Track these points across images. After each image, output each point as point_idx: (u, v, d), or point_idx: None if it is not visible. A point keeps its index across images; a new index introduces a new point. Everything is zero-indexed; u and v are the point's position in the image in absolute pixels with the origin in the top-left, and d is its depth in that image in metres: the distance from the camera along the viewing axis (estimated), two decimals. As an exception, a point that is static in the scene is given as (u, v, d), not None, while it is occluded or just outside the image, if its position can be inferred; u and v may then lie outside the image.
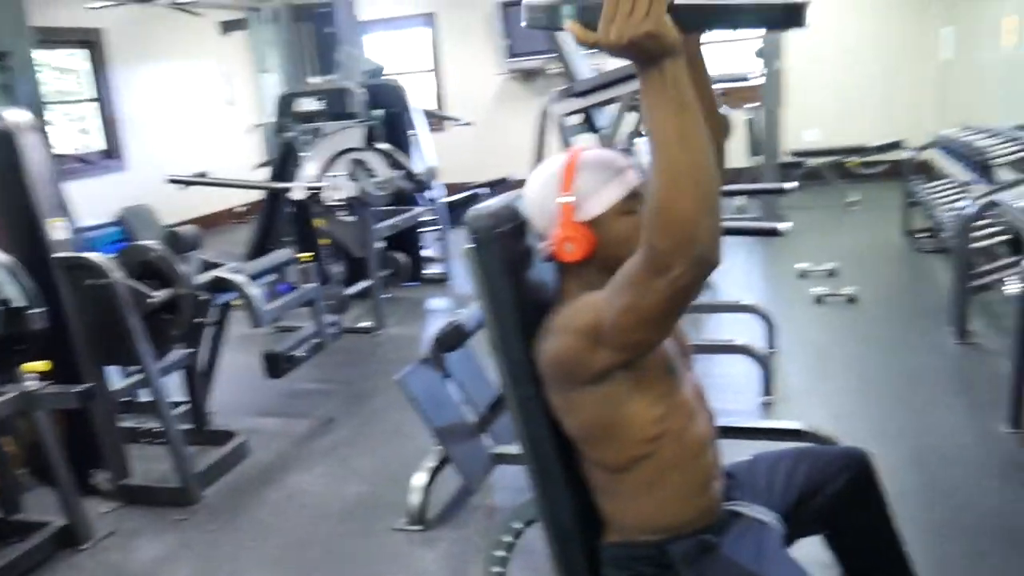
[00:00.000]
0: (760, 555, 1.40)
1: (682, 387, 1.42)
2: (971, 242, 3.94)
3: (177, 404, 3.26)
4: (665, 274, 1.14)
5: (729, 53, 8.22)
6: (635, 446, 1.38)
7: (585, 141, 3.88)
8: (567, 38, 4.03)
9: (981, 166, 4.74)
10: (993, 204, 3.77)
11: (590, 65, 4.30)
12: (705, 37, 1.32)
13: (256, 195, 7.54)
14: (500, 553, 1.77)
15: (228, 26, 7.87)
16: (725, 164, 1.47)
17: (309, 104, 5.32)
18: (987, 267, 3.94)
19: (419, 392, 2.63)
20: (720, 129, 1.44)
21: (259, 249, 5.06)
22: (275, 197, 5.15)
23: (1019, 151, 4.51)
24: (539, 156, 3.84)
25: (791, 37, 6.61)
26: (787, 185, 4.41)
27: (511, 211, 1.46)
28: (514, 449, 2.82)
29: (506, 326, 1.45)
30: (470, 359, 3.00)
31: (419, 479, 2.69)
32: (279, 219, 5.21)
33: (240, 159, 8.05)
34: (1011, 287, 3.49)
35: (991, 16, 5.74)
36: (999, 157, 4.55)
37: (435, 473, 2.72)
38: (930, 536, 2.32)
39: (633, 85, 3.65)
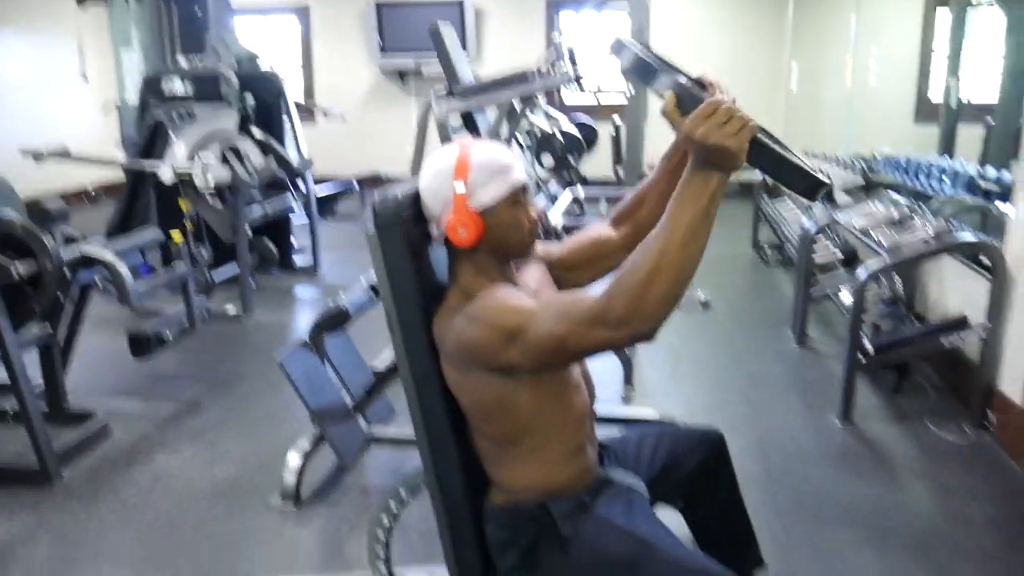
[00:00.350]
0: (629, 513, 1.54)
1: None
2: (811, 257, 4.30)
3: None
4: (609, 330, 1.27)
5: (598, 69, 8.51)
6: (524, 418, 1.49)
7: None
8: (452, 40, 4.12)
9: (822, 189, 5.17)
10: (832, 223, 4.14)
11: (471, 71, 4.40)
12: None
13: (113, 175, 7.21)
14: (385, 521, 1.83)
15: (86, -4, 7.49)
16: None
17: (178, 86, 5.17)
18: (824, 279, 4.32)
19: (298, 374, 2.65)
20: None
21: (121, 229, 4.86)
22: (139, 177, 4.96)
23: (854, 177, 4.95)
24: (420, 152, 3.92)
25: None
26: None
27: (410, 199, 1.53)
28: (389, 431, 2.90)
29: (406, 306, 1.52)
30: (348, 345, 3.04)
31: (293, 458, 2.70)
32: (143, 200, 5.02)
33: (93, 136, 7.67)
34: (844, 298, 3.84)
35: (835, 54, 6.25)
36: (837, 181, 4.98)
37: (309, 454, 2.74)
38: (772, 515, 2.56)
39: (512, 92, 3.78)
